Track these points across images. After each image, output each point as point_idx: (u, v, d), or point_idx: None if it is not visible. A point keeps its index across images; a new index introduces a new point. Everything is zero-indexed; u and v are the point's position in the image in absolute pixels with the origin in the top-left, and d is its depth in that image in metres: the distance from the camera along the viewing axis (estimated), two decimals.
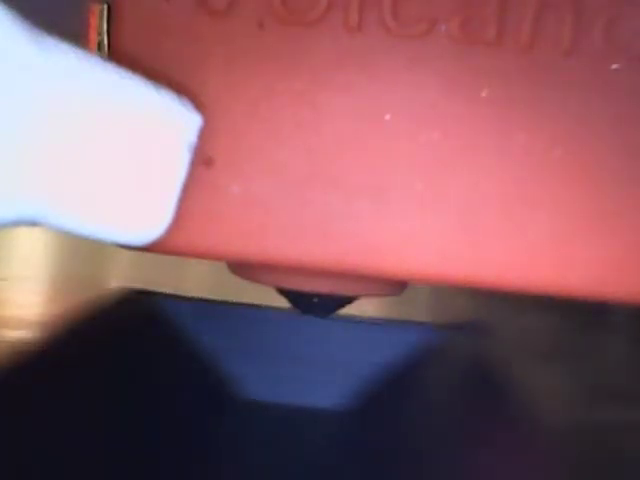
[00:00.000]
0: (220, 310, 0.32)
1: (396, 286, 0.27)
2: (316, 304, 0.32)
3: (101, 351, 0.27)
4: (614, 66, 0.22)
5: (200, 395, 0.30)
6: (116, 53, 0.22)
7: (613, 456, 0.25)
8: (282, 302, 0.31)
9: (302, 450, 0.29)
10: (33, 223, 0.19)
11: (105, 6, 0.23)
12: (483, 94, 0.22)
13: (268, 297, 0.32)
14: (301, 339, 0.32)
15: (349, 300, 0.35)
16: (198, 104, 0.22)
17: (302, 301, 0.34)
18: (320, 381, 0.31)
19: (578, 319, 0.43)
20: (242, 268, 0.27)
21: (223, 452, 0.28)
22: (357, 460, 0.28)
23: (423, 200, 0.22)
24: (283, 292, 0.31)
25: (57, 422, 0.23)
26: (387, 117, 0.22)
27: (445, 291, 0.50)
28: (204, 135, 0.22)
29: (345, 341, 0.32)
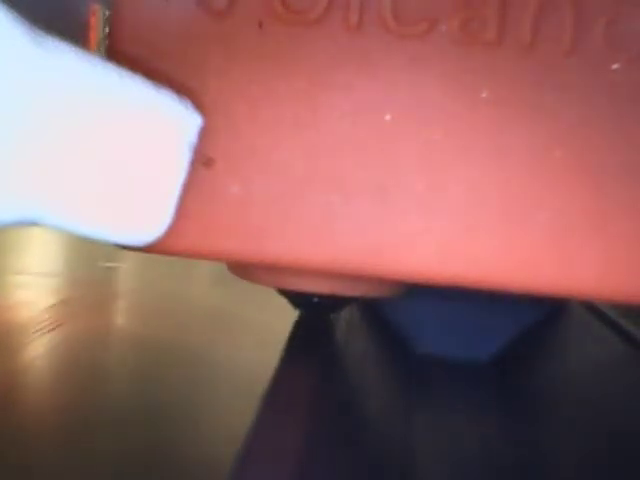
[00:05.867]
0: None
1: (396, 286, 0.27)
2: (316, 304, 0.32)
3: None
4: (614, 66, 0.22)
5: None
6: (116, 53, 0.22)
7: None
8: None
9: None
10: (33, 223, 0.19)
11: (105, 6, 0.23)
12: (483, 94, 0.22)
13: (270, 299, 0.33)
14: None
15: (349, 300, 0.35)
16: (198, 104, 0.22)
17: (302, 301, 0.34)
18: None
19: None
20: (242, 268, 0.27)
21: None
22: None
23: (423, 200, 0.22)
24: (283, 292, 0.31)
25: None
26: (387, 117, 0.22)
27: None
28: (204, 135, 0.22)
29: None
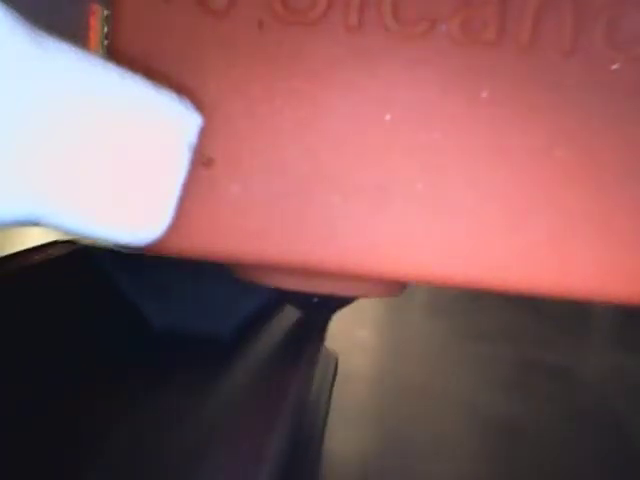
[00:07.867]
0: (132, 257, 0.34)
1: (395, 287, 0.27)
2: (316, 304, 0.32)
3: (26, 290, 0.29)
4: (614, 66, 0.22)
5: (117, 328, 0.33)
6: (116, 53, 0.22)
7: None
8: None
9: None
10: (33, 223, 0.19)
11: (105, 6, 0.23)
12: (483, 94, 0.22)
13: None
14: None
15: (349, 300, 0.35)
16: (198, 104, 0.22)
17: (302, 301, 0.34)
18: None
19: None
20: (242, 268, 0.27)
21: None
22: None
23: (423, 200, 0.22)
24: (283, 292, 0.31)
25: None
26: (387, 117, 0.22)
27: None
28: (204, 135, 0.22)
29: None
